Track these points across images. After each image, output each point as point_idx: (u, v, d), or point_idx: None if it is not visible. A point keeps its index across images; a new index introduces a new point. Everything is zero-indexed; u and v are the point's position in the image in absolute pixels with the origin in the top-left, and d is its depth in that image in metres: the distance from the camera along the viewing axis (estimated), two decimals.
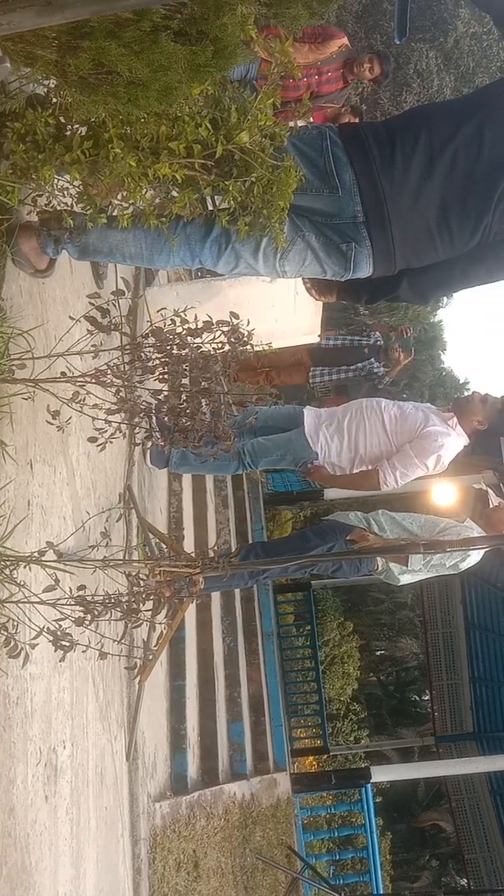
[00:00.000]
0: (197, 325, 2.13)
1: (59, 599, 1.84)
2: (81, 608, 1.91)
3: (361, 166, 2.13)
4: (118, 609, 2.00)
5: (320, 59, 5.50)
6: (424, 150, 2.12)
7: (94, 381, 2.05)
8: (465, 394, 4.21)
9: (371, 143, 2.16)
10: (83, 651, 1.94)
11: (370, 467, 3.88)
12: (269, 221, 1.98)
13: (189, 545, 5.01)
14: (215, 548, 5.56)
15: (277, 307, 4.60)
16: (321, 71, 5.61)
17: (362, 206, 2.14)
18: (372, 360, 6.82)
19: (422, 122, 2.17)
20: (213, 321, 2.16)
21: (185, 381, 2.39)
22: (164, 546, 3.37)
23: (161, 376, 2.22)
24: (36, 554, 1.83)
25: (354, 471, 3.89)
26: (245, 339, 2.19)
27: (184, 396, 2.31)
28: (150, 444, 2.50)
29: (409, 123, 2.20)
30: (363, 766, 10.40)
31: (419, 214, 2.17)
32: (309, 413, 4.01)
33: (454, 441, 3.83)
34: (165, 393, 2.23)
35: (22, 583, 1.78)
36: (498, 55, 13.90)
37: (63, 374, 2.04)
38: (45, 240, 2.13)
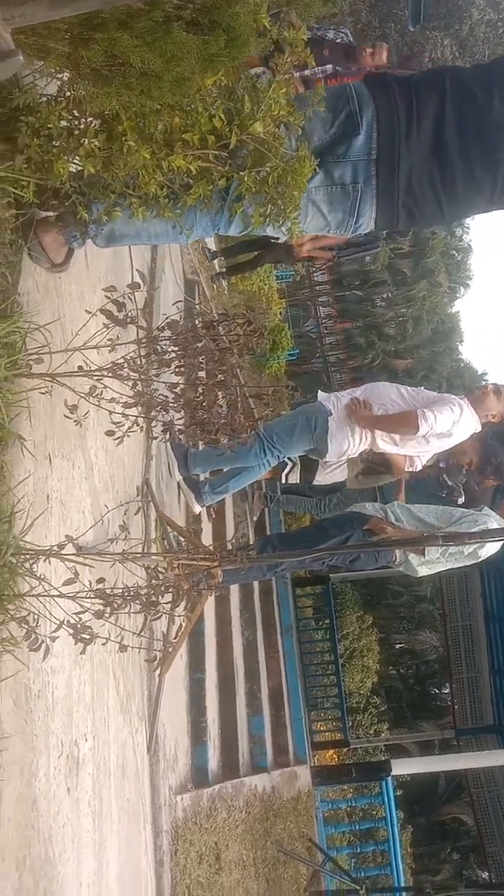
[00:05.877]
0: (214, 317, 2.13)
1: (78, 592, 1.85)
2: (101, 601, 1.91)
3: (382, 101, 2.18)
4: (137, 602, 2.01)
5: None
6: (438, 105, 2.18)
7: (110, 374, 2.05)
8: (480, 385, 4.23)
9: (394, 86, 2.22)
10: (103, 644, 1.94)
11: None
12: (284, 211, 1.97)
13: (207, 538, 5.02)
14: (233, 540, 5.57)
15: None
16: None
17: (377, 144, 2.17)
18: None
19: (441, 81, 2.24)
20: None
21: (202, 373, 2.39)
22: (182, 539, 3.37)
23: (177, 369, 2.22)
24: (55, 547, 1.84)
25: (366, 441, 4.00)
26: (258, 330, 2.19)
27: (200, 389, 2.30)
28: (168, 439, 2.50)
29: (429, 80, 2.27)
30: (383, 759, 10.41)
31: (426, 165, 2.21)
32: (321, 392, 4.26)
33: (468, 416, 3.95)
34: (182, 386, 2.23)
35: (42, 576, 1.79)
36: None
37: (80, 368, 2.04)
38: (69, 231, 2.13)
